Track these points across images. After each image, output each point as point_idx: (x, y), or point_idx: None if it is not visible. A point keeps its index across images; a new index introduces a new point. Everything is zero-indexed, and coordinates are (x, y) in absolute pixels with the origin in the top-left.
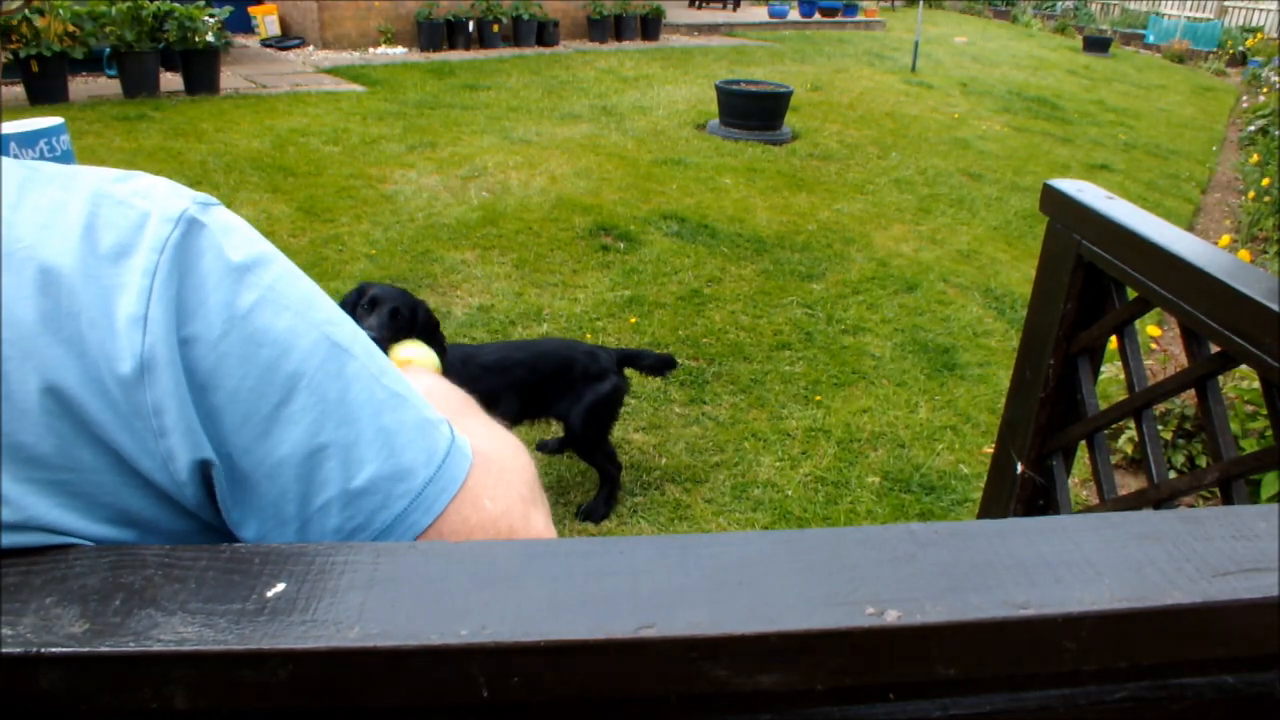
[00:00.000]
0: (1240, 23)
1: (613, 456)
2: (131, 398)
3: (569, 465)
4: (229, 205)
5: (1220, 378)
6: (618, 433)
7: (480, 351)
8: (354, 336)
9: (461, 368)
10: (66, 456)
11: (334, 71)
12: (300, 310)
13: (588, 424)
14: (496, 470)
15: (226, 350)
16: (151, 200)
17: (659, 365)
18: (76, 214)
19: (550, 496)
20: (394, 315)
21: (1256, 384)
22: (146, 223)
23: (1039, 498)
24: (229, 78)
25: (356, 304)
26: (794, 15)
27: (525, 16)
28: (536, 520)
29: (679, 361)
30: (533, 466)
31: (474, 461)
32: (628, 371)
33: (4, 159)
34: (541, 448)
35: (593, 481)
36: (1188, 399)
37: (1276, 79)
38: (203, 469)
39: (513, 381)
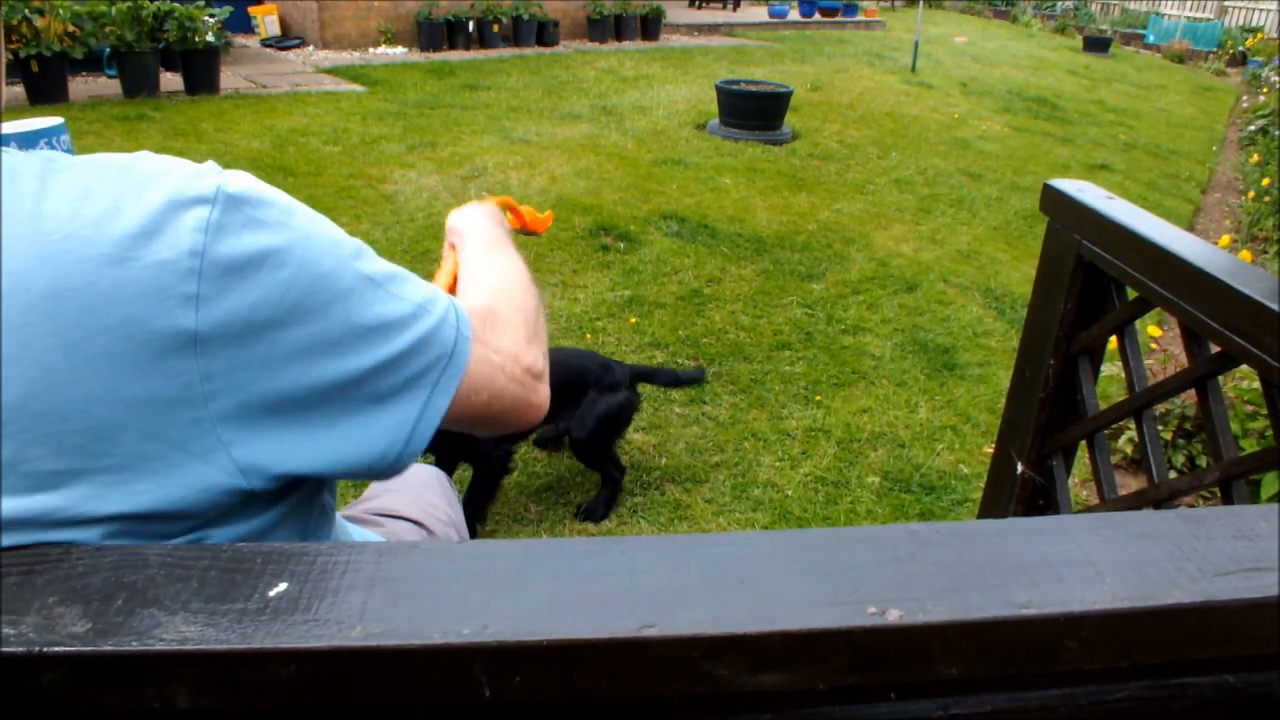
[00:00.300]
0: (1240, 23)
1: (616, 461)
2: (181, 368)
3: (570, 465)
4: None
5: (1220, 378)
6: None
7: None
8: (382, 267)
9: None
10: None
11: (334, 71)
12: (335, 254)
13: (594, 434)
14: (497, 322)
15: (288, 308)
16: (174, 179)
17: (677, 381)
18: (102, 199)
19: (550, 496)
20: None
21: (1256, 384)
22: (175, 201)
23: (1039, 498)
24: (229, 78)
25: None
26: (794, 15)
27: (525, 16)
28: (536, 355)
29: (704, 376)
30: (536, 298)
31: (473, 329)
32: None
33: (15, 153)
34: (539, 444)
35: (593, 482)
36: (1188, 399)
37: (1276, 79)
38: (258, 424)
39: None
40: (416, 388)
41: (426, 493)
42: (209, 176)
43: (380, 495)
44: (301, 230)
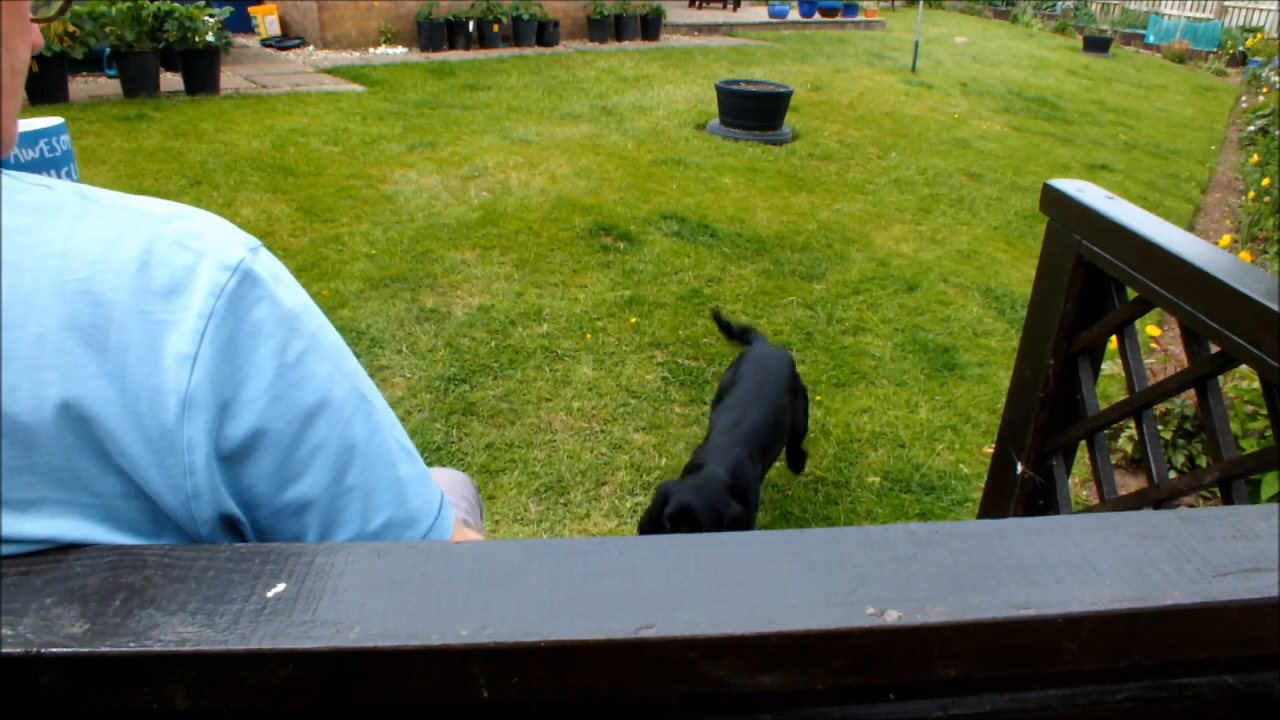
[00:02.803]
0: (1240, 23)
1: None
2: (168, 433)
3: (569, 465)
4: (229, 205)
5: (1220, 378)
6: (617, 433)
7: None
8: (374, 389)
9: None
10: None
11: (334, 71)
12: (336, 361)
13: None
14: (461, 502)
15: (277, 394)
16: (206, 243)
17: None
18: (132, 249)
19: (550, 496)
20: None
21: (1256, 384)
22: (200, 265)
23: (1039, 498)
24: (229, 78)
25: (660, 516)
26: (794, 15)
27: (525, 16)
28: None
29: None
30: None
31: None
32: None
33: (66, 184)
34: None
35: (593, 479)
36: (1188, 399)
37: (1276, 79)
38: (227, 515)
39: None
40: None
41: (449, 492)
42: (238, 247)
43: None
44: (315, 325)
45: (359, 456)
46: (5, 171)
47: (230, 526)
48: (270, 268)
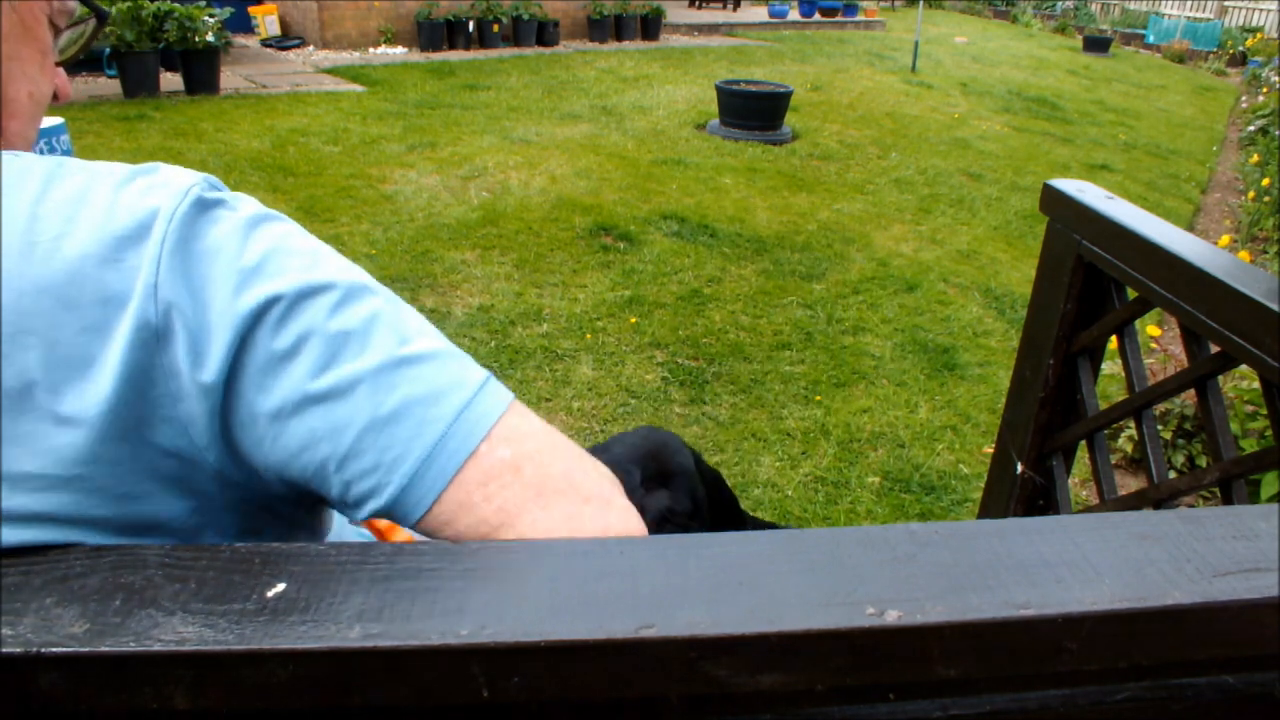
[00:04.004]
0: (1240, 23)
1: None
2: (150, 367)
3: None
4: None
5: (1220, 378)
6: (617, 433)
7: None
8: (378, 285)
9: None
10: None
11: (334, 71)
12: (312, 258)
13: None
14: (543, 444)
15: (243, 301)
16: (165, 180)
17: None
18: (99, 204)
19: None
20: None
21: (1256, 384)
22: (161, 204)
23: (1039, 498)
24: (229, 78)
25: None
26: (794, 15)
27: (525, 16)
28: (598, 468)
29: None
30: (615, 484)
31: (514, 407)
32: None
33: (31, 156)
34: None
35: None
36: (1188, 399)
37: (1276, 79)
38: (224, 429)
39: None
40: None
41: None
42: (193, 177)
43: None
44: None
45: (353, 341)
46: None
47: (231, 450)
48: (227, 193)
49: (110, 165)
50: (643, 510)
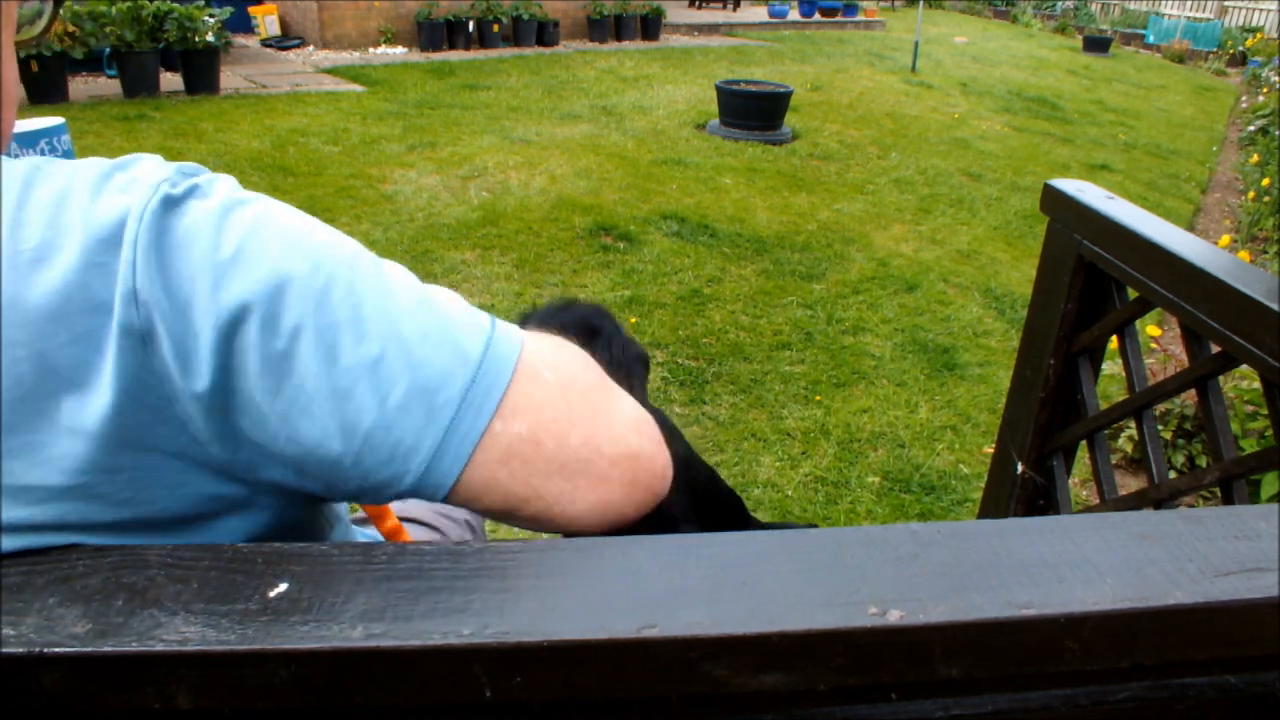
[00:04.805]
0: (1240, 23)
1: None
2: (142, 372)
3: None
4: None
5: (1220, 378)
6: None
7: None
8: (351, 250)
9: None
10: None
11: (334, 71)
12: (294, 238)
13: None
14: (557, 349)
15: (221, 295)
16: (139, 181)
17: None
18: (77, 207)
19: None
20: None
21: (1256, 384)
22: (131, 204)
23: (1039, 498)
24: (229, 78)
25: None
26: (794, 15)
27: (525, 16)
28: (616, 390)
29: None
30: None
31: (525, 343)
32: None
33: (7, 159)
34: None
35: None
36: (1188, 399)
37: (1276, 79)
38: (228, 425)
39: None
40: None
41: None
42: (163, 170)
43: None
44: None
45: (347, 332)
46: None
47: (238, 445)
48: (203, 176)
49: (89, 163)
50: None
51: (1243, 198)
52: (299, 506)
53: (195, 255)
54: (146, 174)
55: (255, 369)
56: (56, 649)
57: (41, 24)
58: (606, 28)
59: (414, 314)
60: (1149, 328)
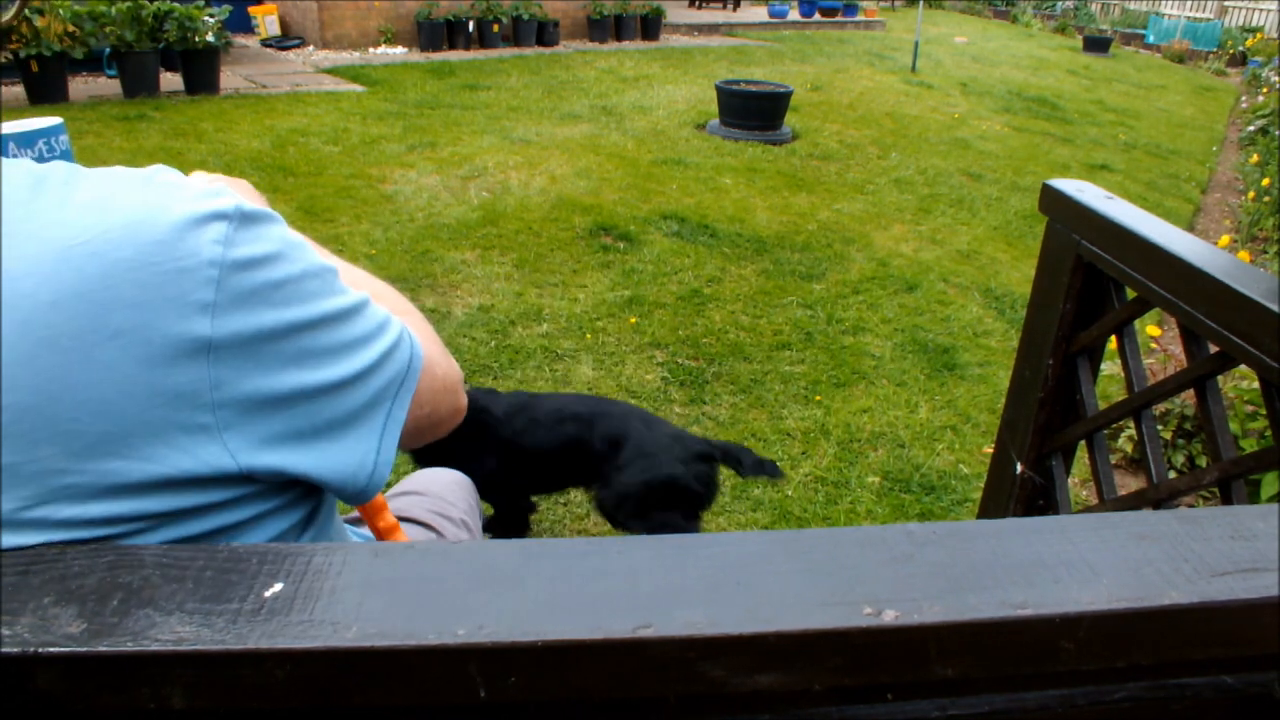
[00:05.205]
0: (1240, 23)
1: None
2: (192, 374)
3: None
4: None
5: (1220, 378)
6: None
7: (536, 401)
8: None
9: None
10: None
11: (334, 71)
12: (322, 272)
13: (623, 502)
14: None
15: (277, 319)
16: (195, 191)
17: (757, 468)
18: (127, 207)
19: (549, 496)
20: None
21: (1256, 384)
22: (197, 214)
23: (1038, 498)
24: (229, 78)
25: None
26: (794, 15)
27: (525, 16)
28: (453, 363)
29: (781, 473)
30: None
31: (420, 350)
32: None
33: (38, 164)
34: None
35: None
36: (1187, 399)
37: (1276, 79)
38: (253, 423)
39: (563, 438)
40: (380, 404)
41: (447, 493)
42: (227, 195)
43: (394, 499)
44: (301, 252)
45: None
46: None
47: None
48: (254, 210)
49: (125, 169)
50: None
51: (1243, 198)
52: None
53: (270, 283)
54: (208, 193)
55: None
56: (51, 649)
57: (9, 13)
58: (606, 28)
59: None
60: (1148, 328)
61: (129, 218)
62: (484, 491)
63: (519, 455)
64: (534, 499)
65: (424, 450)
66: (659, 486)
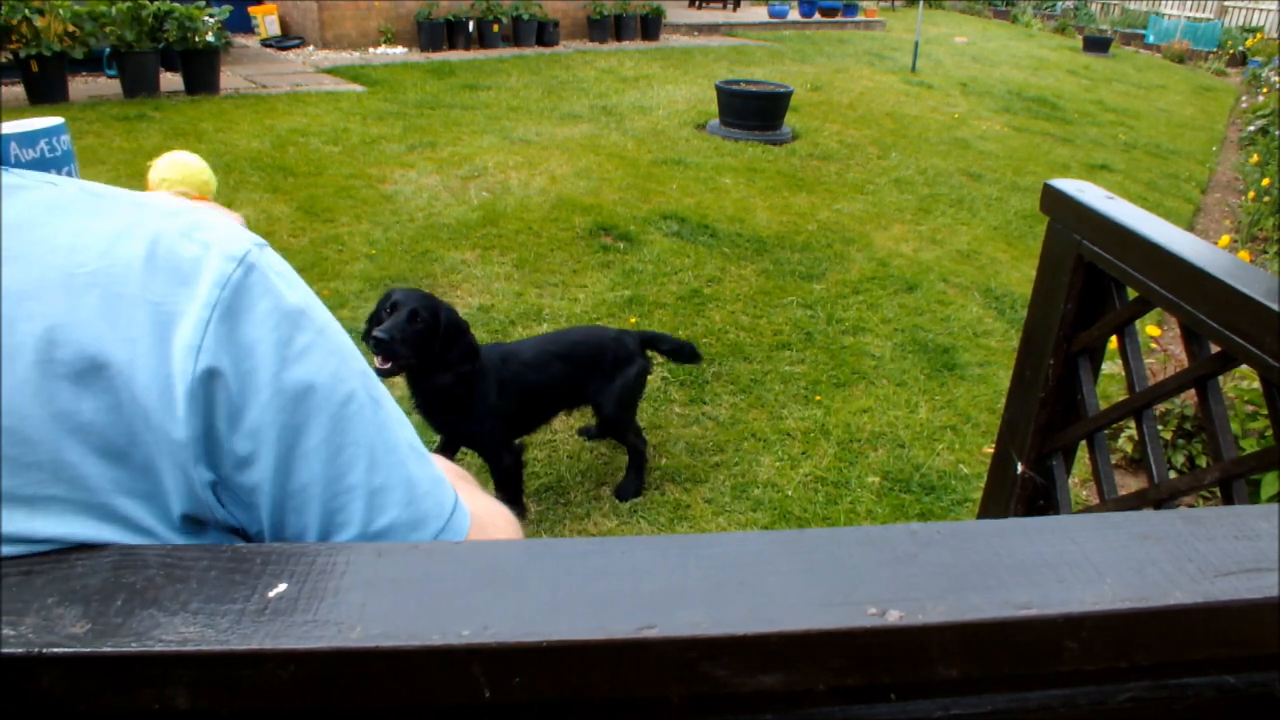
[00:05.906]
0: (1240, 23)
1: (639, 431)
2: (174, 421)
3: (569, 465)
4: (229, 206)
5: (1220, 378)
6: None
7: (518, 349)
8: (382, 389)
9: (502, 366)
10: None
11: (334, 71)
12: (342, 358)
13: (620, 407)
14: (491, 529)
15: (280, 387)
16: (212, 235)
17: (679, 351)
18: (139, 241)
19: (550, 496)
20: (412, 318)
21: (1256, 384)
22: (207, 256)
23: (1039, 498)
24: (229, 78)
25: (381, 310)
26: (794, 15)
27: (525, 16)
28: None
29: (701, 355)
30: (521, 531)
31: (471, 519)
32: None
33: (71, 181)
34: (583, 433)
35: (593, 480)
36: (1188, 399)
37: (1276, 79)
38: (241, 493)
39: (552, 375)
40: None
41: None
42: (244, 240)
43: None
44: (322, 316)
45: (364, 454)
46: (10, 170)
47: (241, 505)
48: (276, 263)
49: (149, 199)
50: None
51: (1243, 198)
52: None
53: (267, 343)
54: (224, 238)
55: (272, 457)
56: (55, 649)
57: None
58: (606, 28)
59: (412, 459)
60: (1149, 328)
61: (137, 251)
62: (505, 437)
63: (525, 396)
64: (525, 496)
65: (446, 406)
66: (635, 380)
